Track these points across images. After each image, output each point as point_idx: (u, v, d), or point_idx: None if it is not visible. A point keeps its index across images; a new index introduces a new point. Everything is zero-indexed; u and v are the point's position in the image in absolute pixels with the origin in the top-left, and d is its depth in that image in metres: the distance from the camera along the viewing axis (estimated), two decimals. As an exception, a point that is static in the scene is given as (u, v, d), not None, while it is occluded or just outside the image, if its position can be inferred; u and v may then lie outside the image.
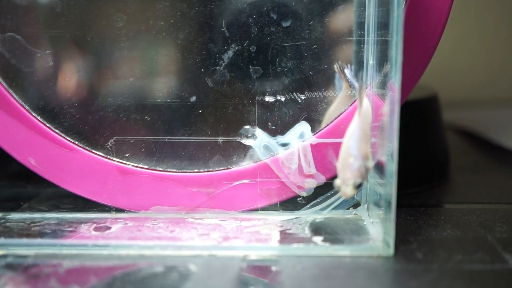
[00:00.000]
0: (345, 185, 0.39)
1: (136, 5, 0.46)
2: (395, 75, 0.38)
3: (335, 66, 0.46)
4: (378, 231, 0.42)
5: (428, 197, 0.55)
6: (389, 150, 0.39)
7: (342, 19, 0.46)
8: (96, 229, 0.44)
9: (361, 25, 0.46)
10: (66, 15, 0.46)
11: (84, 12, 0.46)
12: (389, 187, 0.40)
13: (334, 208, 0.47)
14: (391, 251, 0.40)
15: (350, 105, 0.46)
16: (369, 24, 0.45)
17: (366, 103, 0.43)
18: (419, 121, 0.61)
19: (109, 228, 0.45)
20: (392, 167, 0.39)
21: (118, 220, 0.46)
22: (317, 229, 0.44)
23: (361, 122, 0.41)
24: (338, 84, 0.47)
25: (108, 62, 0.47)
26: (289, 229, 0.44)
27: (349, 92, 0.47)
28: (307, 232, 0.44)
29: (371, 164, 0.40)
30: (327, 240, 0.42)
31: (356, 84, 0.45)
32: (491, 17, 0.99)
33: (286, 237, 0.43)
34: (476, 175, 0.64)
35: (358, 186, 0.39)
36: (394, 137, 0.39)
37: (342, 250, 0.41)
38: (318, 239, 0.42)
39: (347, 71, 0.43)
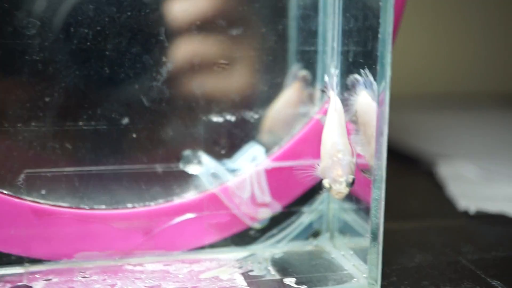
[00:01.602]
0: (337, 183, 0.34)
1: (53, 8, 0.37)
2: (385, 86, 0.34)
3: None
4: (355, 266, 0.38)
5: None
6: (376, 175, 0.35)
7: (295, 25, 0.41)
8: (14, 291, 0.35)
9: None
10: (-42, 19, 0.36)
11: (-17, 17, 0.36)
12: (375, 216, 0.35)
13: (292, 240, 0.42)
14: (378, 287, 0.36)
15: (306, 123, 0.42)
16: (325, 32, 0.41)
17: (337, 99, 0.38)
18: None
19: (30, 288, 0.36)
20: (378, 194, 0.35)
21: (37, 275, 0.37)
22: (282, 268, 0.38)
23: (338, 118, 0.36)
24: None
25: (17, 78, 0.37)
26: (251, 270, 0.38)
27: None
28: (273, 272, 0.38)
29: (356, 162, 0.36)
30: (302, 281, 0.36)
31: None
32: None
33: (252, 281, 0.37)
34: (397, 187, 0.62)
35: (351, 184, 0.34)
36: (382, 160, 0.34)
37: (324, 293, 0.35)
38: (290, 280, 0.37)
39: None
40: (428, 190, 0.60)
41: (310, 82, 0.41)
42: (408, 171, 0.68)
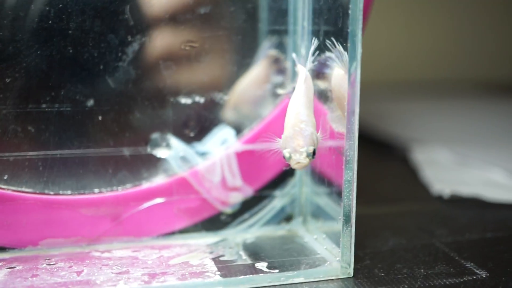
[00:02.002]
0: (297, 153, 0.33)
1: (12, -15, 0.36)
2: (356, 66, 0.33)
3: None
4: (328, 249, 0.37)
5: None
6: (348, 155, 0.34)
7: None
8: (-26, 279, 0.34)
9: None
10: None
11: None
12: (348, 198, 0.34)
13: (264, 224, 0.41)
14: (350, 271, 0.35)
15: (277, 105, 0.41)
16: (295, 11, 0.40)
17: (307, 73, 0.37)
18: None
19: (-9, 275, 0.34)
20: (351, 175, 0.34)
21: (0, 263, 0.36)
22: (254, 252, 0.38)
23: (306, 89, 0.36)
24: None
25: (-24, 58, 0.36)
26: (222, 255, 0.37)
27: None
28: (244, 257, 0.37)
29: (319, 136, 0.35)
30: (274, 266, 0.36)
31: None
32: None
33: (223, 266, 0.36)
34: (372, 172, 0.62)
35: (312, 155, 0.33)
36: (353, 141, 0.34)
37: (296, 277, 0.34)
38: (262, 265, 0.36)
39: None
40: (402, 175, 0.60)
41: (280, 61, 0.40)
42: (383, 156, 0.68)
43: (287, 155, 0.33)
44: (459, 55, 1.10)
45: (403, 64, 1.06)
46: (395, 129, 0.74)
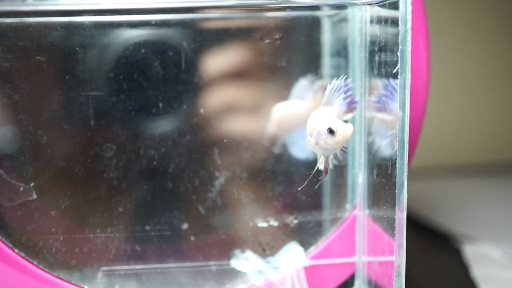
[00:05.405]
0: (340, 123, 0.32)
1: (126, 135, 0.45)
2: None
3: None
4: None
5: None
6: (397, 272, 0.40)
7: None
8: None
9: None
10: (51, 146, 0.44)
11: (70, 143, 0.44)
12: (397, 316, 0.41)
13: (328, 328, 0.48)
14: None
15: (339, 225, 0.48)
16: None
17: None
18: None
19: None
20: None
21: None
22: None
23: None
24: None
25: (97, 194, 0.45)
26: None
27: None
28: None
29: None
30: None
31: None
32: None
33: None
34: (424, 266, 0.67)
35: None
36: (401, 270, 0.40)
37: None
38: None
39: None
40: (454, 270, 0.64)
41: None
42: (437, 248, 0.73)
43: (334, 128, 0.31)
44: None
45: (459, 146, 1.07)
46: (448, 221, 0.78)
